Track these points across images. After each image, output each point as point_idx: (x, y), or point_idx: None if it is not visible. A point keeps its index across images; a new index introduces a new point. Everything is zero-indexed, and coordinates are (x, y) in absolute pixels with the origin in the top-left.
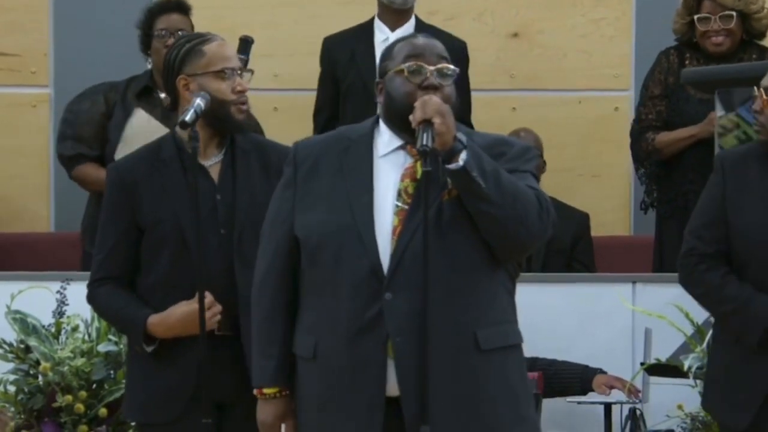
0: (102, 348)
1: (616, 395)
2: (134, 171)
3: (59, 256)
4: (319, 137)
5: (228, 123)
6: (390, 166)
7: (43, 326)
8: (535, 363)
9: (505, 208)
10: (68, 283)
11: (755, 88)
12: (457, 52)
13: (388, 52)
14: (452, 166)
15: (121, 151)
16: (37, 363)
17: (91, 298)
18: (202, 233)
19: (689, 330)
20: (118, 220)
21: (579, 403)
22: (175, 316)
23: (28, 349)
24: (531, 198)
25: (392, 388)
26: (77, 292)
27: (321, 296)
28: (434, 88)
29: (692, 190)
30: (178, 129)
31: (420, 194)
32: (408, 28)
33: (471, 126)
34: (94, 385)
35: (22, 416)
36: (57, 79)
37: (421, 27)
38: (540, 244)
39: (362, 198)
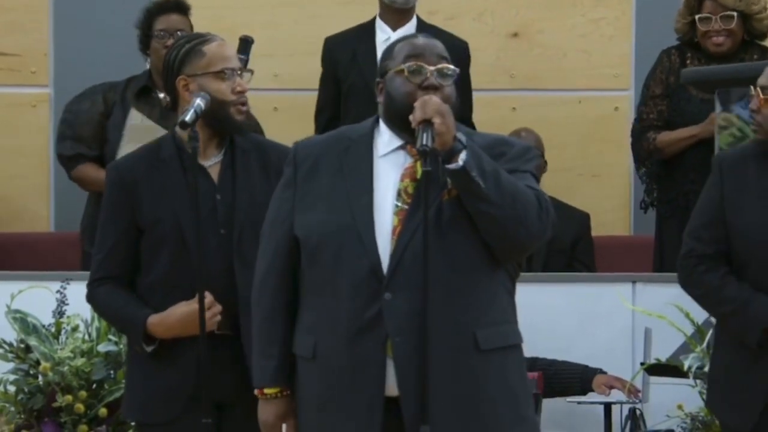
0: (102, 348)
1: (616, 395)
2: (134, 170)
3: (59, 256)
4: (319, 137)
5: (227, 123)
6: (390, 166)
7: (43, 326)
8: (535, 363)
9: (505, 208)
10: (68, 283)
11: (752, 87)
12: (459, 52)
13: (389, 51)
14: (452, 166)
15: (124, 150)
16: (37, 363)
17: (90, 298)
18: (201, 233)
19: (689, 330)
20: (118, 219)
21: (579, 403)
22: (175, 316)
23: (28, 349)
24: (531, 198)
25: (392, 388)
26: (77, 292)
27: (321, 296)
28: (434, 89)
29: (693, 189)
30: (177, 129)
31: (420, 194)
32: (409, 27)
33: (473, 126)
34: (94, 385)
35: (22, 416)
36: (57, 79)
37: (423, 27)
38: (540, 245)
39: (362, 198)
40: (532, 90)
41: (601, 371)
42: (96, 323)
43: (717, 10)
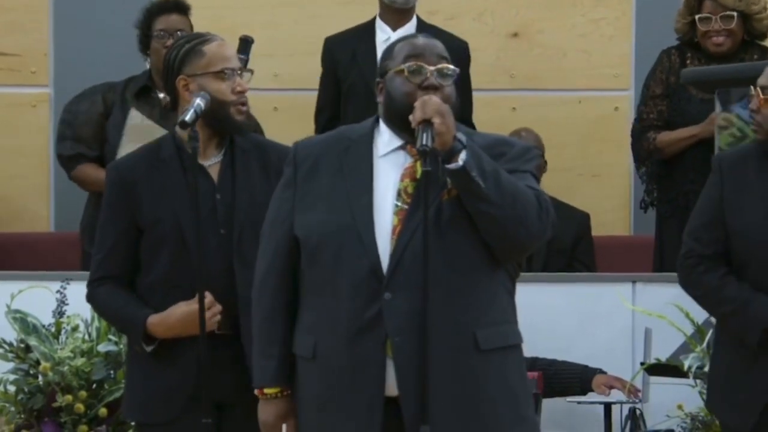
0: (102, 348)
1: (616, 395)
2: (134, 170)
3: (59, 256)
4: (319, 137)
5: (227, 124)
6: (390, 166)
7: (43, 326)
8: (535, 363)
9: (505, 208)
10: (68, 283)
11: (751, 87)
12: (459, 52)
13: (389, 51)
14: (452, 165)
15: (124, 150)
16: (37, 363)
17: (90, 298)
18: (201, 233)
19: (689, 330)
20: (118, 219)
21: (579, 403)
22: (175, 316)
23: (28, 349)
24: (530, 198)
25: (391, 388)
26: (77, 291)
27: (321, 296)
28: (434, 89)
29: (693, 189)
30: (177, 129)
31: (420, 194)
32: (409, 28)
33: (473, 126)
34: (94, 385)
35: (22, 416)
36: (57, 79)
37: (423, 27)
38: (540, 245)
39: (362, 198)
40: (532, 90)
41: (600, 371)
42: (96, 323)
43: (717, 10)
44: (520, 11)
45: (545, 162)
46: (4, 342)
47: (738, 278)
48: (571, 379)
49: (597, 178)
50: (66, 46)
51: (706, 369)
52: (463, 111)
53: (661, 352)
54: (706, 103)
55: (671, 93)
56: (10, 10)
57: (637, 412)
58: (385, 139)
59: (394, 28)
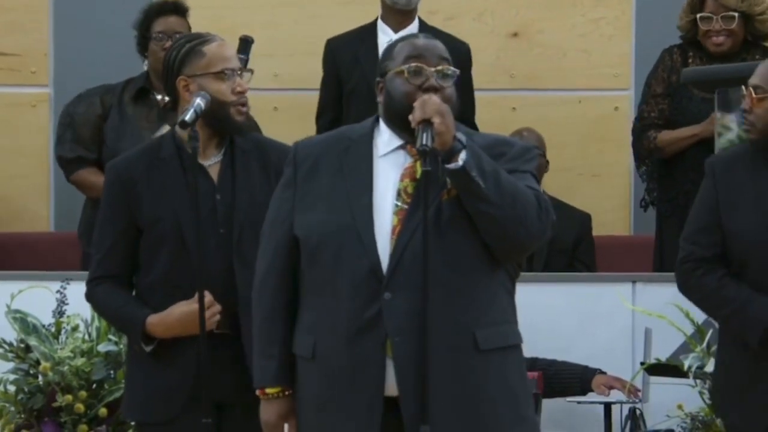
0: (102, 348)
1: (616, 395)
2: (133, 169)
3: (59, 256)
4: (320, 137)
5: (227, 124)
6: (390, 166)
7: (43, 326)
8: (534, 363)
9: (504, 208)
10: (68, 283)
11: (743, 87)
12: (460, 54)
13: (389, 51)
14: (452, 165)
15: None
16: (37, 363)
17: (89, 296)
18: (201, 233)
19: (689, 330)
20: (117, 219)
21: (579, 402)
22: (174, 316)
23: (28, 349)
24: (530, 198)
25: (391, 388)
26: (77, 291)
27: (320, 296)
28: (435, 90)
29: (693, 189)
30: (177, 128)
31: (420, 194)
32: (411, 29)
33: (475, 128)
34: (94, 385)
35: (22, 416)
36: (57, 79)
37: (424, 29)
38: (539, 245)
39: (362, 198)
40: (532, 90)
41: (600, 371)
42: (96, 323)
43: (718, 10)
44: (520, 11)
45: (547, 162)
46: (4, 342)
47: (737, 280)
48: (571, 379)
49: (597, 178)
50: (66, 46)
51: (706, 369)
52: (465, 113)
53: (661, 352)
54: (708, 103)
55: (673, 92)
56: (10, 10)
57: (637, 412)
58: (385, 138)
59: (396, 30)
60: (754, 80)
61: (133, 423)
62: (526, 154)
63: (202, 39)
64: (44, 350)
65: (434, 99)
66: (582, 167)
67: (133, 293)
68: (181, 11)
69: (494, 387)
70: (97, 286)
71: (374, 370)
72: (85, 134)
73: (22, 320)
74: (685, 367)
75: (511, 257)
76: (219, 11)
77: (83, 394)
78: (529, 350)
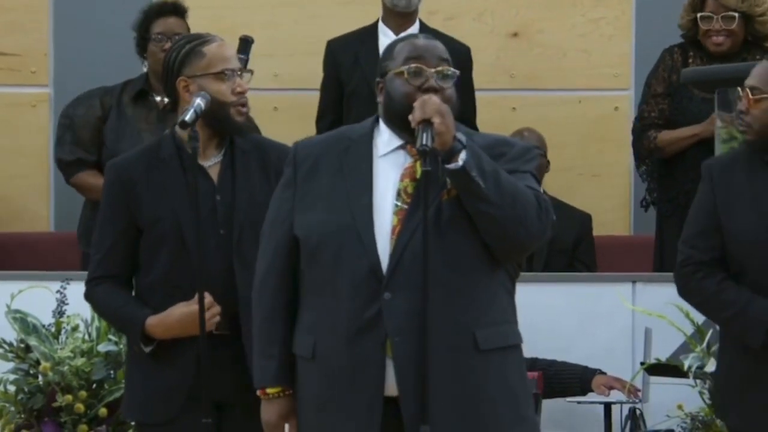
0: (102, 348)
1: (616, 395)
2: (133, 169)
3: (59, 256)
4: (320, 137)
5: (227, 124)
6: (390, 166)
7: (43, 326)
8: (534, 364)
9: (504, 208)
10: (68, 283)
11: (739, 88)
12: (461, 56)
13: (389, 51)
14: (452, 165)
15: None
16: (37, 363)
17: (88, 296)
18: (201, 233)
19: (689, 330)
20: (116, 219)
21: (579, 402)
22: (174, 317)
23: (28, 349)
24: (530, 198)
25: (391, 388)
26: (77, 291)
27: (320, 296)
28: (434, 91)
29: (693, 189)
30: (177, 129)
31: (419, 194)
32: (412, 32)
33: (476, 130)
34: (94, 385)
35: (22, 416)
36: (57, 79)
37: (425, 31)
38: (539, 245)
39: (362, 198)
40: (532, 90)
41: (600, 372)
42: (96, 323)
43: (719, 10)
44: (520, 11)
45: (548, 162)
46: (4, 342)
47: (737, 283)
48: (570, 379)
49: (597, 177)
50: (66, 46)
51: (706, 369)
52: (466, 114)
53: (661, 352)
54: (708, 103)
55: (673, 92)
56: (10, 10)
57: (637, 412)
58: (385, 138)
59: (397, 32)
60: (750, 81)
61: (133, 423)
62: (526, 154)
63: (202, 39)
64: (44, 350)
65: (434, 99)
66: (582, 167)
67: (133, 293)
68: (181, 12)
69: (494, 387)
70: (96, 286)
71: (374, 370)
72: (85, 136)
73: (22, 320)
74: (685, 367)
75: (511, 257)
76: (219, 11)
77: (83, 394)
78: (529, 350)
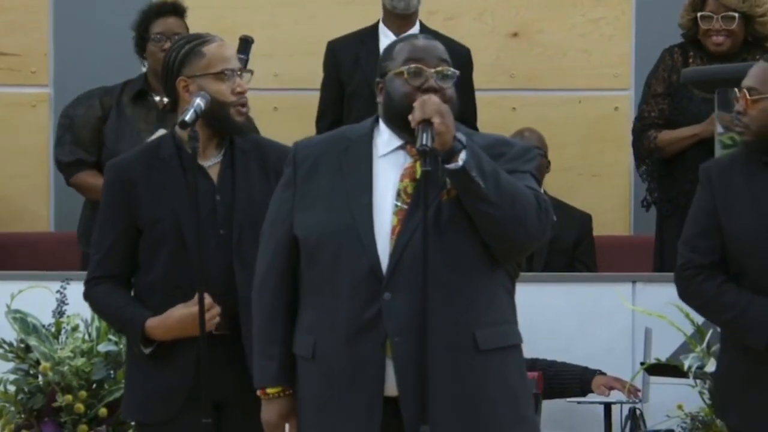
0: (102, 348)
1: (616, 395)
2: (132, 169)
3: (59, 256)
4: (319, 137)
5: (227, 125)
6: (389, 166)
7: (43, 326)
8: (534, 364)
9: (504, 208)
10: (68, 283)
11: (736, 89)
12: (461, 58)
13: (389, 51)
14: (451, 166)
15: None
16: (37, 363)
17: (87, 296)
18: (201, 233)
19: (689, 330)
20: (116, 219)
21: (579, 402)
22: (174, 318)
23: (28, 349)
24: (530, 199)
25: (391, 388)
26: (77, 291)
27: (320, 296)
28: (434, 91)
29: (693, 189)
30: (177, 129)
31: (419, 194)
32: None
33: (476, 130)
34: (94, 385)
35: (22, 416)
36: (57, 79)
37: (425, 32)
38: (539, 245)
39: (361, 198)
40: (532, 90)
41: (600, 372)
42: (96, 323)
43: (719, 10)
44: (520, 11)
45: (549, 162)
46: (4, 342)
47: (737, 284)
48: (570, 380)
49: (597, 177)
50: (66, 46)
51: (706, 369)
52: (466, 115)
53: (661, 352)
54: (708, 103)
55: (673, 92)
56: (10, 10)
57: (637, 412)
58: (385, 139)
59: (397, 34)
60: (747, 82)
61: (132, 423)
62: (526, 154)
63: (202, 39)
64: (44, 350)
65: (434, 99)
66: (582, 167)
67: (132, 293)
68: (180, 12)
69: (494, 387)
70: (96, 285)
71: (374, 370)
72: (85, 136)
73: (22, 320)
74: (685, 367)
75: (511, 257)
76: (219, 11)
77: (83, 394)
78: (529, 350)
